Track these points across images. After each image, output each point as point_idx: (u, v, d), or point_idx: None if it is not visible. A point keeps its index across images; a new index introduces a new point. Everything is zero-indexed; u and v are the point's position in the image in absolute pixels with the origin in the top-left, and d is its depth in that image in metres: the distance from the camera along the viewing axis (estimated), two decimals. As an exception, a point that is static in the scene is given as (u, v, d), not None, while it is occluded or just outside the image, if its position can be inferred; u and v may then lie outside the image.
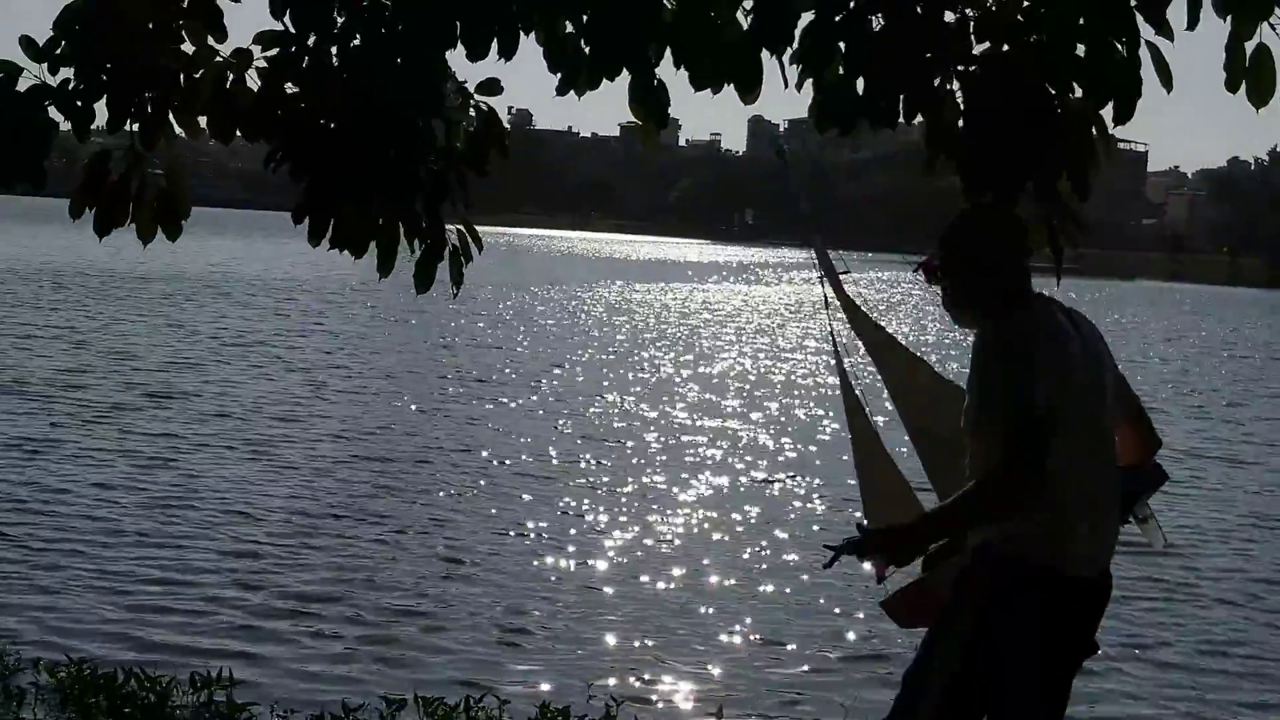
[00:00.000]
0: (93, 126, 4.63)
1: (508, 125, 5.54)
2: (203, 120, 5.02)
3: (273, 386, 25.98)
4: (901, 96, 4.68)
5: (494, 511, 16.49)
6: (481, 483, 18.11)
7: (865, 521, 4.37)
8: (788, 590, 13.55)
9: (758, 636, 12.14)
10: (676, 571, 14.13)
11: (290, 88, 4.99)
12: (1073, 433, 4.13)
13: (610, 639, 11.92)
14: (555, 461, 19.91)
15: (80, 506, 15.36)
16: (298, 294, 50.03)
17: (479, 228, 5.52)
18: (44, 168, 4.69)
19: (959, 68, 4.72)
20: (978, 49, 4.75)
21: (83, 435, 19.51)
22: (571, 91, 5.09)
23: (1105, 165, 4.86)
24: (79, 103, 4.57)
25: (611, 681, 10.63)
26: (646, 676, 10.99)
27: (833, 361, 5.78)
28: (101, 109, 4.61)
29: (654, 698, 10.58)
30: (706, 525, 16.40)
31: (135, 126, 4.72)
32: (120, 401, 22.78)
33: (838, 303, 5.66)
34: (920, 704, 4.27)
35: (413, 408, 24.63)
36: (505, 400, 26.24)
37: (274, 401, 24.06)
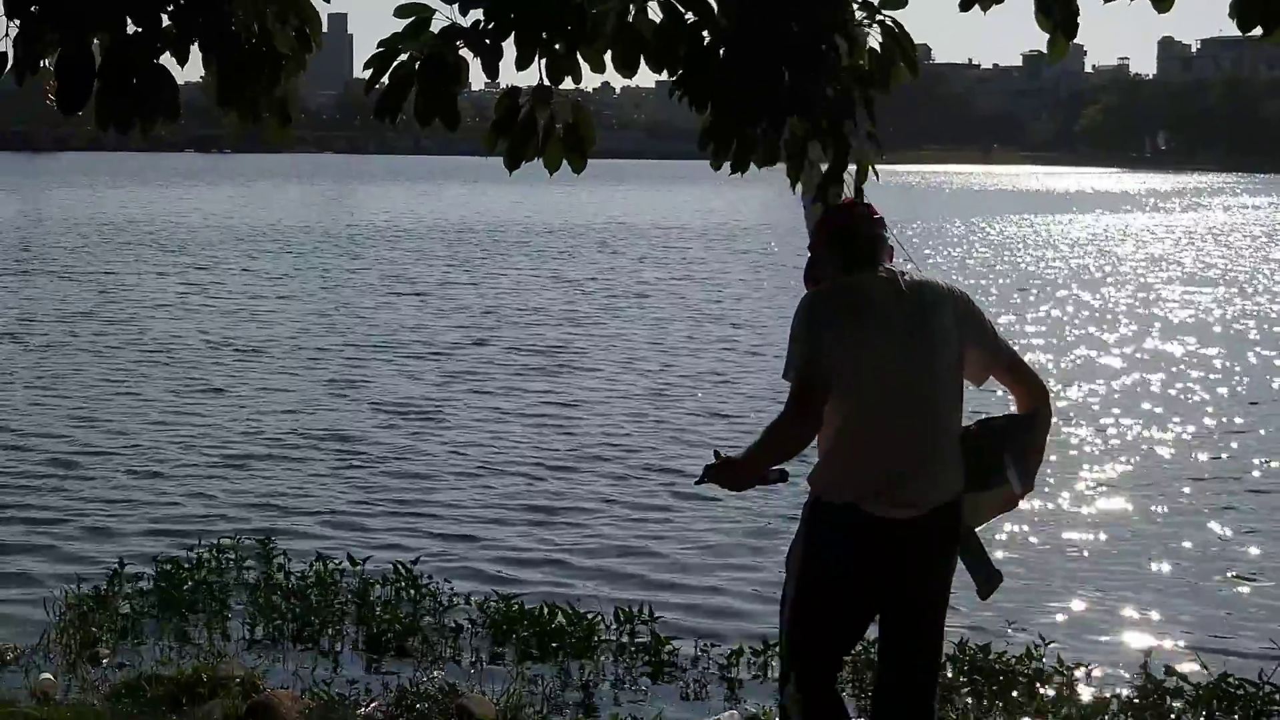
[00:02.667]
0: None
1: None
2: (607, 55, 5.00)
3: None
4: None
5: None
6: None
7: (712, 456, 4.99)
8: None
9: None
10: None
11: (691, 17, 4.93)
12: (867, 391, 4.65)
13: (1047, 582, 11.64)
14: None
15: (506, 455, 15.97)
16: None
17: (879, 166, 5.34)
18: (458, 109, 4.78)
19: None
20: None
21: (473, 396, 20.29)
22: (975, 7, 4.89)
23: None
24: (488, 41, 4.63)
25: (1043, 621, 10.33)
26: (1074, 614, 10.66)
27: None
28: (510, 46, 4.64)
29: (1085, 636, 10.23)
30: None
31: (543, 62, 4.75)
32: (526, 364, 23.58)
33: None
34: (782, 616, 5.01)
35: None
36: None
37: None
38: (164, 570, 10.24)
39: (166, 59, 4.57)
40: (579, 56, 4.87)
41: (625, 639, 9.41)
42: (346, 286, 33.37)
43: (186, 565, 10.37)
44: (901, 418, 4.65)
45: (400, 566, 10.15)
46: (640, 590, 10.72)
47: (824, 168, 5.17)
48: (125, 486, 14.03)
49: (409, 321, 27.10)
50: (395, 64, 4.71)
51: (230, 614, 9.97)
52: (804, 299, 4.88)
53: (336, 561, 10.41)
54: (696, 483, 5.19)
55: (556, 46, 4.76)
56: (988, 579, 5.02)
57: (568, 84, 4.93)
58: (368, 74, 4.80)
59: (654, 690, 8.93)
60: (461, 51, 4.66)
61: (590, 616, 9.46)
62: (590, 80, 5.11)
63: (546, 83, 4.81)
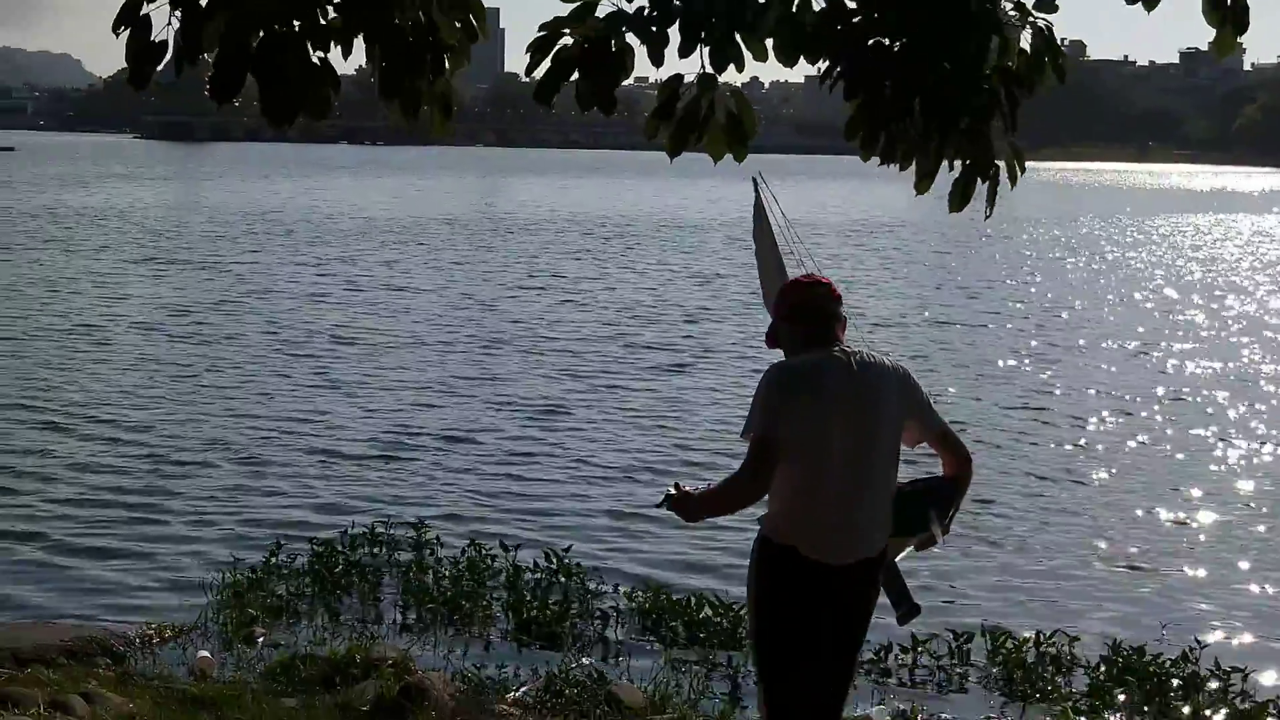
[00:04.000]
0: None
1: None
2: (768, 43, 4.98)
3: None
4: None
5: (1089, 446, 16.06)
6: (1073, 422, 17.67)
7: (672, 488, 5.49)
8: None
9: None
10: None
11: (851, 4, 4.90)
12: (815, 460, 5.24)
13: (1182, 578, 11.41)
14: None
15: (648, 452, 16.02)
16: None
17: (1027, 162, 5.26)
18: (615, 95, 4.79)
19: None
20: None
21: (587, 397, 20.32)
22: (1139, 5, 4.78)
23: None
24: (654, 28, 4.63)
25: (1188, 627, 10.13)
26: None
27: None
28: (674, 33, 4.64)
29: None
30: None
31: (705, 51, 4.74)
32: (666, 361, 23.59)
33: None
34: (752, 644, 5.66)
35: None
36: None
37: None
38: (318, 552, 10.44)
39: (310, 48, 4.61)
40: (741, 45, 4.86)
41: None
42: (493, 280, 33.67)
43: (340, 548, 10.56)
44: (842, 484, 5.26)
45: (552, 554, 10.24)
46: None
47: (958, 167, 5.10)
48: (278, 473, 14.31)
49: (549, 316, 27.25)
50: (558, 47, 4.73)
51: (383, 596, 10.14)
52: (768, 373, 5.41)
53: (488, 547, 10.52)
54: (657, 505, 5.74)
55: (718, 33, 4.75)
56: (908, 611, 5.73)
57: (729, 74, 4.93)
58: (528, 58, 4.82)
59: (800, 683, 8.90)
60: (626, 38, 4.66)
61: (737, 608, 9.46)
62: (734, 75, 5.10)
63: (710, 71, 4.81)
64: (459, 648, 9.32)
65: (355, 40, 4.70)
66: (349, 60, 4.89)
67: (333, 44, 4.69)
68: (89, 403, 17.34)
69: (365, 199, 68.24)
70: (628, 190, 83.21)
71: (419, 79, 4.89)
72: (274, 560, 10.40)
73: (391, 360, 21.50)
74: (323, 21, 4.64)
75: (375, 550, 10.73)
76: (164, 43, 4.47)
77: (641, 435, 16.63)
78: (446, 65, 4.94)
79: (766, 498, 5.39)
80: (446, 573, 10.28)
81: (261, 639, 9.34)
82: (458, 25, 4.95)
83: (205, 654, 8.95)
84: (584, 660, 8.86)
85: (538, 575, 10.26)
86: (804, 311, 5.53)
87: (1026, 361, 22.84)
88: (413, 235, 46.89)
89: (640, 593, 9.71)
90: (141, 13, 4.38)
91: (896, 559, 5.62)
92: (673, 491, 5.48)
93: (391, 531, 11.00)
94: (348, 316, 26.47)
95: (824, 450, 5.24)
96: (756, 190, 7.56)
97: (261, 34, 4.51)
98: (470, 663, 8.86)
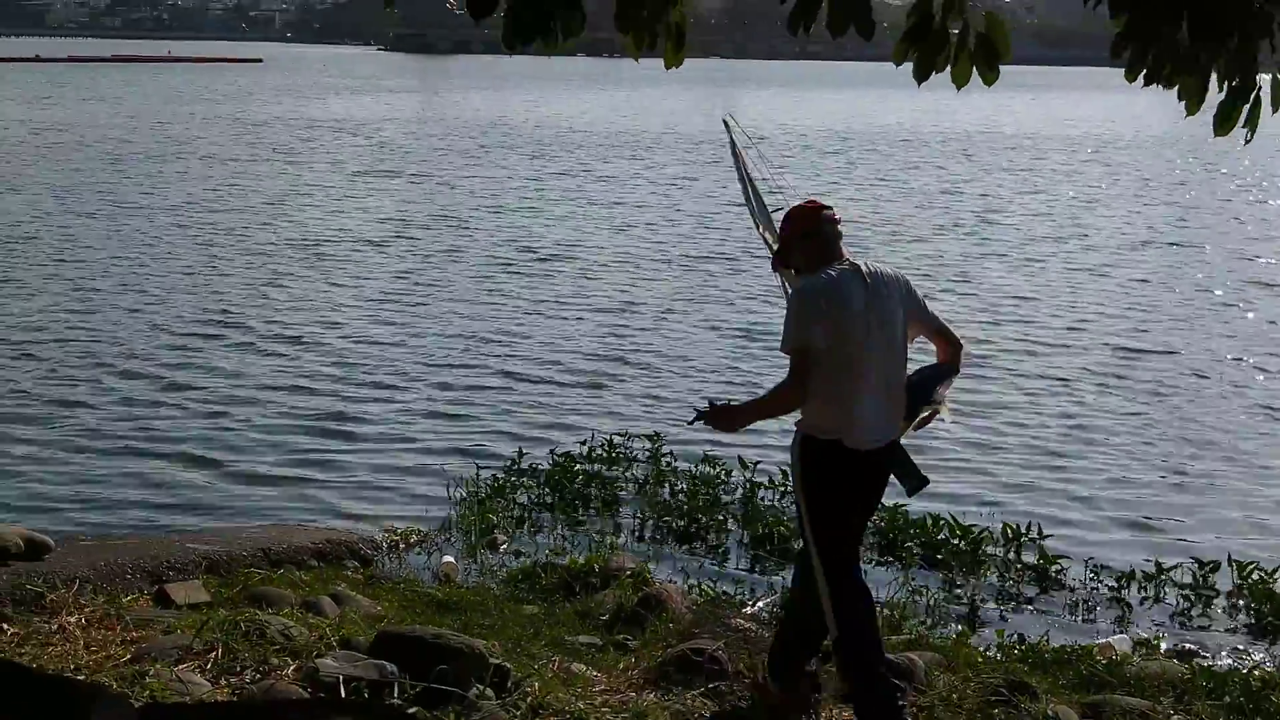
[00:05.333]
0: None
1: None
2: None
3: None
4: None
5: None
6: None
7: (705, 404, 6.16)
8: None
9: None
10: None
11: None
12: (843, 362, 5.92)
13: None
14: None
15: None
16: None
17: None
18: (872, 19, 4.74)
19: None
20: None
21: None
22: None
23: None
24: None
25: None
26: None
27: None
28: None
29: None
30: None
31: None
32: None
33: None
34: (801, 525, 6.19)
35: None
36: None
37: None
38: (558, 464, 10.65)
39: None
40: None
41: (1011, 555, 9.32)
42: (715, 197, 33.52)
43: (579, 459, 10.75)
44: (872, 380, 5.98)
45: (785, 471, 10.27)
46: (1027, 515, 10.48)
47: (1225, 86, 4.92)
48: (512, 386, 14.54)
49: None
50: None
51: (619, 509, 10.31)
52: (796, 292, 6.17)
53: (723, 462, 10.61)
54: (689, 423, 6.46)
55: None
56: (917, 483, 6.38)
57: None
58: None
59: (1040, 609, 8.83)
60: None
61: (976, 530, 9.39)
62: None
63: (962, -8, 4.72)
64: (695, 561, 9.45)
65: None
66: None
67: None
68: (312, 321, 17.65)
69: (598, 112, 68.52)
70: (874, 102, 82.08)
71: (653, 11, 4.93)
72: (514, 471, 10.64)
73: (614, 279, 21.57)
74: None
75: (612, 463, 10.90)
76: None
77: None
78: (678, -1, 4.96)
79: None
80: (683, 486, 10.42)
81: (504, 546, 9.60)
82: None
83: (449, 559, 9.24)
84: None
85: (772, 492, 10.33)
86: (812, 233, 6.24)
87: None
88: (640, 149, 47.10)
89: (878, 513, 9.71)
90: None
91: (901, 439, 6.34)
92: (704, 408, 6.16)
93: (629, 444, 11.16)
94: (582, 230, 26.70)
95: (854, 353, 5.96)
96: (729, 131, 8.15)
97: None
98: (706, 576, 8.99)
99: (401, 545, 9.61)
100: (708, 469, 10.52)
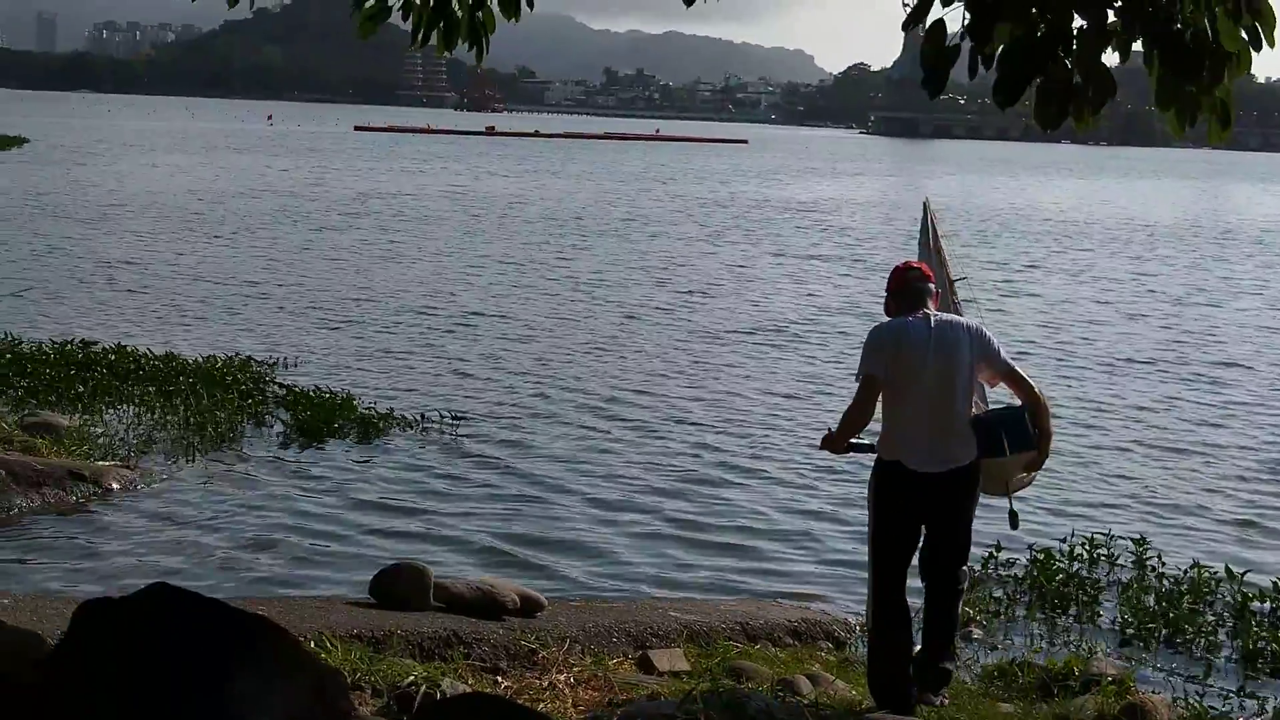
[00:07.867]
0: None
1: None
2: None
3: None
4: None
5: None
6: None
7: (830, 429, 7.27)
8: None
9: None
10: None
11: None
12: (906, 393, 6.95)
13: None
14: None
15: None
16: None
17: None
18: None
19: None
20: None
21: None
22: None
23: None
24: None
25: None
26: None
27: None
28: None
29: None
30: None
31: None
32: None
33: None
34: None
35: None
36: None
37: None
38: (1037, 560, 10.37)
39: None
40: None
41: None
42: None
43: (1058, 556, 10.45)
44: (928, 411, 6.95)
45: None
46: None
47: None
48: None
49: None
50: None
51: (1100, 611, 9.95)
52: (870, 331, 7.29)
53: (1212, 570, 10.12)
54: (820, 447, 7.50)
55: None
56: (1012, 522, 7.29)
57: None
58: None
59: None
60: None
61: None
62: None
63: None
64: (1179, 671, 9.01)
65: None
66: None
67: (1110, 47, 4.65)
68: (794, 407, 17.83)
69: (1076, 200, 67.04)
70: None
71: (1197, 86, 4.75)
72: (991, 563, 10.43)
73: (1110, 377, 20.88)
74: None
75: (1093, 564, 10.54)
76: (957, 46, 4.60)
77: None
78: (1226, 74, 4.76)
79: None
80: (1167, 590, 9.98)
81: (978, 639, 9.40)
82: (1242, 32, 4.76)
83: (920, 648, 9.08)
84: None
85: (1266, 604, 9.77)
86: (900, 290, 7.34)
87: None
88: (1105, 239, 45.79)
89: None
90: (933, 15, 4.51)
91: (1017, 490, 7.31)
92: (826, 433, 7.31)
93: (1111, 544, 10.76)
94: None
95: (913, 386, 6.96)
96: (925, 210, 9.50)
97: (1043, 30, 4.51)
98: (1191, 689, 8.55)
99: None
100: (1195, 574, 10.04)
